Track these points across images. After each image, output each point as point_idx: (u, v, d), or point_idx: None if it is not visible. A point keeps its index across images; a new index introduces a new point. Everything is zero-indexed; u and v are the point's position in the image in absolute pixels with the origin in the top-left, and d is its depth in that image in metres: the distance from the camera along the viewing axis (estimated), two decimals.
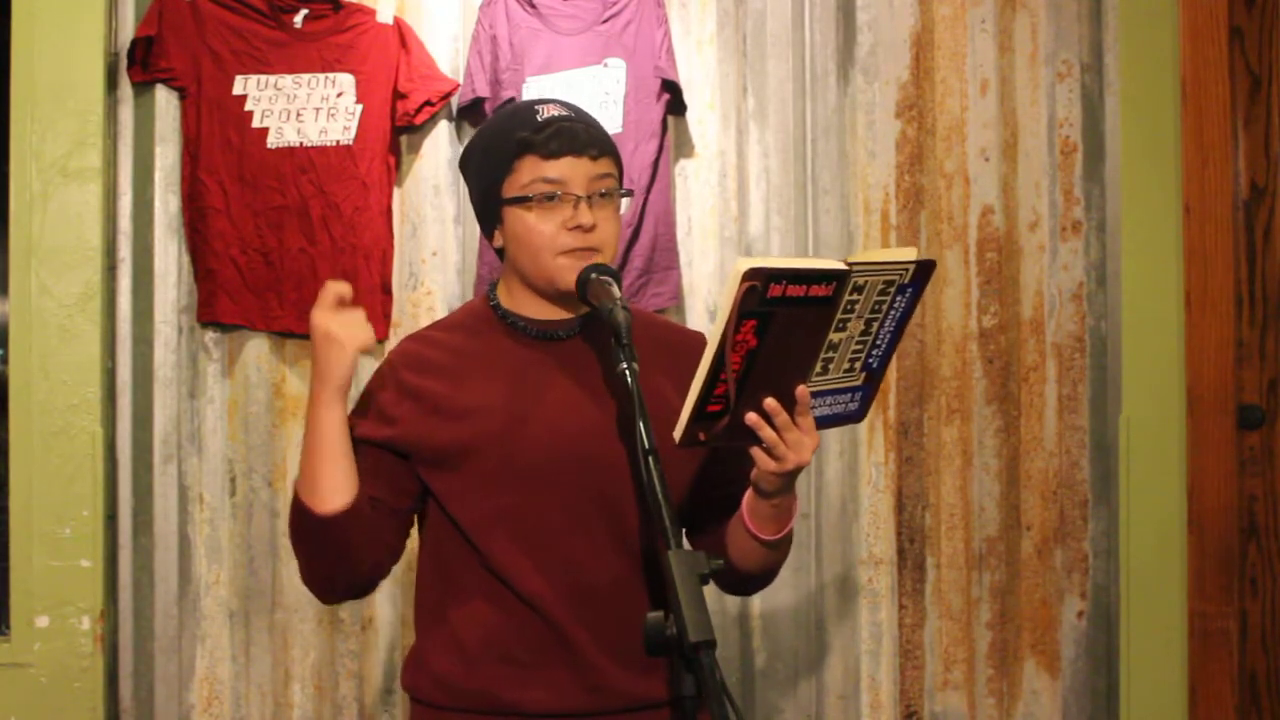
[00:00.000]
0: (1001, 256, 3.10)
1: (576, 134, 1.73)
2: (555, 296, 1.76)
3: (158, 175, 3.05)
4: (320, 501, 1.67)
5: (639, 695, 1.72)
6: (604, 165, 1.74)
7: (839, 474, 3.09)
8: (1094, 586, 3.07)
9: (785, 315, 1.50)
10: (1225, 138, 3.02)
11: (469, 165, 1.84)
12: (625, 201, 1.81)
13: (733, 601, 3.06)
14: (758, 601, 3.07)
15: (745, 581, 1.81)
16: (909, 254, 1.60)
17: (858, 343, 1.63)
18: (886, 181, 3.12)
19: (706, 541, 1.80)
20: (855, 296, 1.56)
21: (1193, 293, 3.00)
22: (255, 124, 3.00)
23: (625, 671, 1.71)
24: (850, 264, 1.53)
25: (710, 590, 1.50)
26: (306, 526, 1.69)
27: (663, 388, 1.75)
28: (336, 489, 1.67)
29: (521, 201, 1.72)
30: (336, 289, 1.69)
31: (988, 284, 3.10)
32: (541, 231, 1.72)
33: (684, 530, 1.84)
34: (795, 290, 1.49)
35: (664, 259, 2.99)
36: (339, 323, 1.66)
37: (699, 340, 1.85)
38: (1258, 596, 3.05)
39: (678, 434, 1.52)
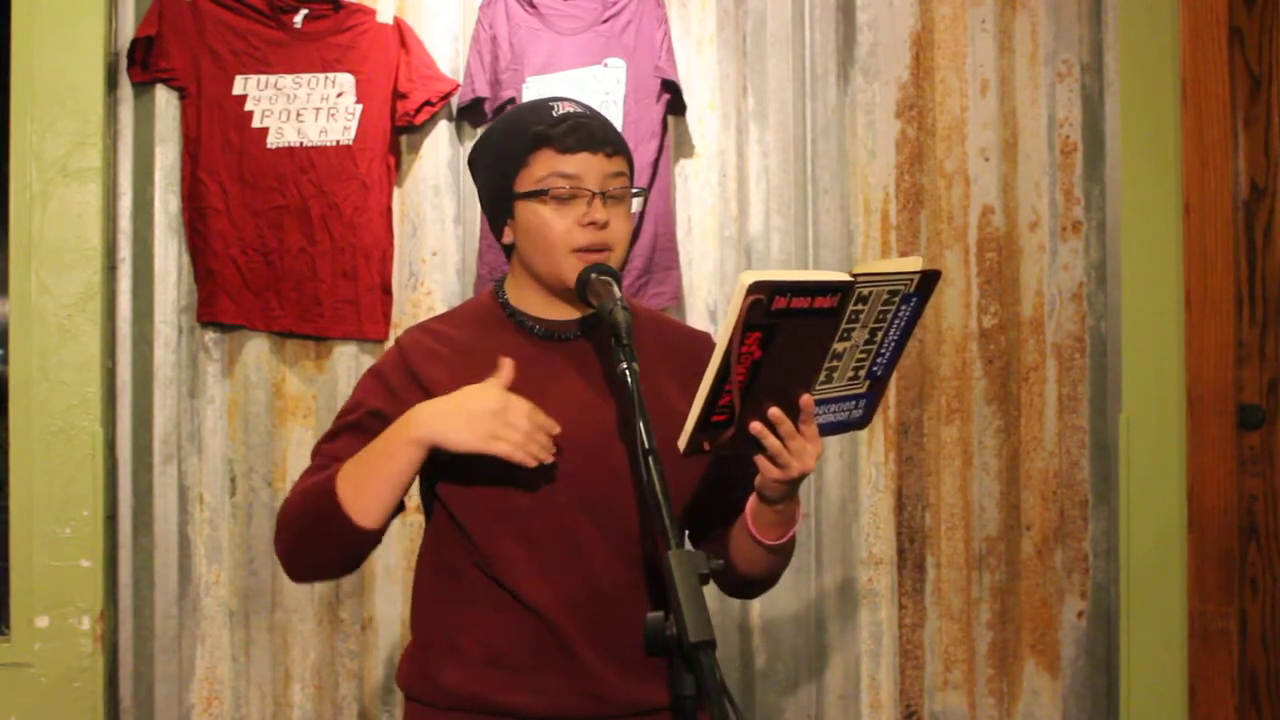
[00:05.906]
0: (1001, 256, 3.10)
1: (593, 130, 1.72)
2: (564, 293, 1.76)
3: (158, 175, 3.05)
4: (362, 515, 1.66)
5: (637, 701, 1.71)
6: (617, 164, 1.74)
7: (839, 474, 3.09)
8: (1094, 586, 3.07)
9: (790, 326, 1.49)
10: (1225, 138, 3.01)
11: (480, 160, 1.83)
12: (636, 202, 1.81)
13: (733, 602, 3.06)
14: (757, 602, 3.07)
15: (748, 585, 1.81)
16: (914, 263, 1.59)
17: (862, 351, 1.62)
18: (886, 181, 3.12)
19: (711, 546, 1.80)
20: (860, 307, 1.55)
21: (1193, 293, 3.00)
22: (255, 124, 3.00)
23: (624, 678, 1.70)
24: (855, 275, 1.52)
25: (711, 591, 1.50)
26: (332, 528, 1.68)
27: (667, 389, 1.75)
28: (384, 511, 1.67)
29: (537, 196, 1.72)
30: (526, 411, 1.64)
31: (988, 284, 3.10)
32: (555, 227, 1.71)
33: (688, 534, 1.84)
34: (800, 302, 1.48)
35: (664, 259, 2.99)
36: (523, 422, 1.62)
37: (704, 341, 1.86)
38: (1258, 596, 3.05)
39: (682, 443, 1.51)
